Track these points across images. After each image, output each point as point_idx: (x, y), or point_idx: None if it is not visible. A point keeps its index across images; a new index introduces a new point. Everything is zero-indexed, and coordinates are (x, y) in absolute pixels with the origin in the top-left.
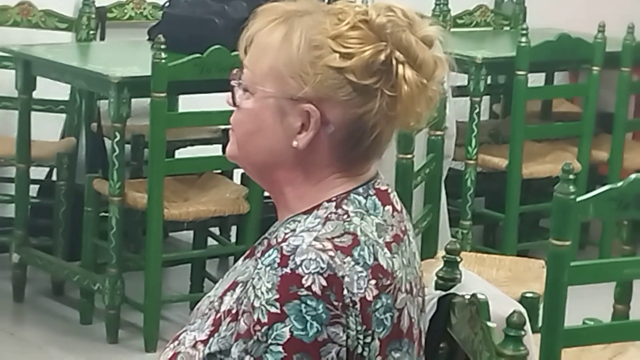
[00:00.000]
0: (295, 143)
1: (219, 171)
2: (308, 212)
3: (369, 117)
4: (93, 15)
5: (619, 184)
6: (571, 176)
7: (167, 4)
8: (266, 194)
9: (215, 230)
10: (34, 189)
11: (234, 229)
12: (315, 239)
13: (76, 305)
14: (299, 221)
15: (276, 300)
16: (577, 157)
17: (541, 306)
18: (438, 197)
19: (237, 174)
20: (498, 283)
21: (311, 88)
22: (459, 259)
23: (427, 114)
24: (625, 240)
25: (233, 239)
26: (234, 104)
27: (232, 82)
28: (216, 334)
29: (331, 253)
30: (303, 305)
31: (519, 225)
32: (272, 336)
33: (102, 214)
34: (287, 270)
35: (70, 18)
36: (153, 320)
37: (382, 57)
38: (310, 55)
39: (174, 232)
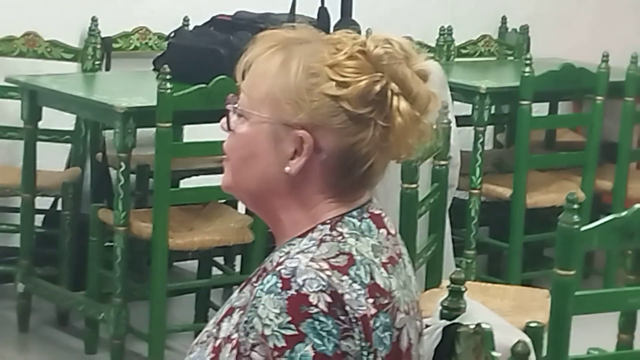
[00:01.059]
0: (287, 169)
1: (224, 201)
2: (302, 236)
3: (361, 146)
4: (98, 46)
5: (623, 213)
6: (575, 206)
7: (172, 35)
8: None
9: (220, 260)
10: (39, 219)
11: (238, 258)
12: (312, 260)
13: (81, 335)
14: (294, 244)
15: (290, 322)
16: (581, 186)
17: (546, 335)
18: (442, 227)
19: (242, 203)
20: (502, 312)
21: (306, 114)
22: (463, 289)
23: (418, 147)
24: (630, 270)
25: (237, 269)
26: (229, 129)
27: (228, 106)
28: None
29: (328, 272)
30: (316, 322)
31: (523, 254)
32: (297, 358)
33: (107, 243)
34: (292, 292)
35: (75, 48)
36: (158, 350)
37: (378, 87)
38: (307, 82)
39: (179, 262)
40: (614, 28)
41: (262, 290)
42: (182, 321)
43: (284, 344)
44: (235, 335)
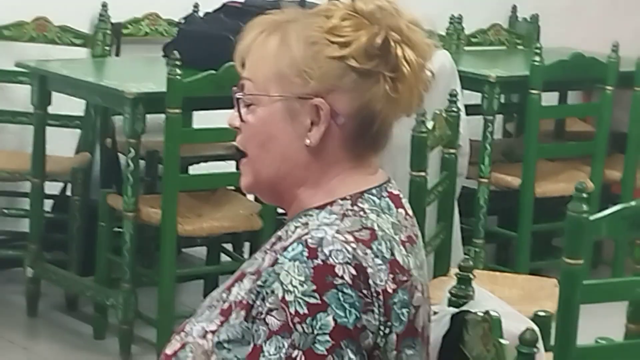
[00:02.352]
0: (308, 141)
1: (233, 187)
2: (321, 208)
3: (375, 102)
4: (108, 31)
5: (632, 203)
6: (584, 195)
7: (182, 21)
8: (279, 210)
9: (229, 247)
10: (48, 204)
11: (247, 245)
12: (337, 232)
13: (90, 320)
14: (311, 215)
15: (314, 291)
16: (590, 176)
17: (554, 325)
18: (451, 215)
19: (263, 199)
20: (511, 301)
21: (316, 82)
22: (472, 276)
23: (424, 98)
24: (638, 260)
25: (246, 255)
26: (241, 120)
27: (237, 95)
28: (226, 324)
29: (353, 245)
30: (340, 293)
31: (531, 244)
32: (317, 326)
33: (116, 229)
34: (319, 261)
35: (85, 34)
36: (166, 335)
37: (379, 39)
38: (310, 52)
39: (187, 248)
40: (625, 18)
41: (285, 257)
42: (191, 307)
43: (305, 311)
44: (246, 300)
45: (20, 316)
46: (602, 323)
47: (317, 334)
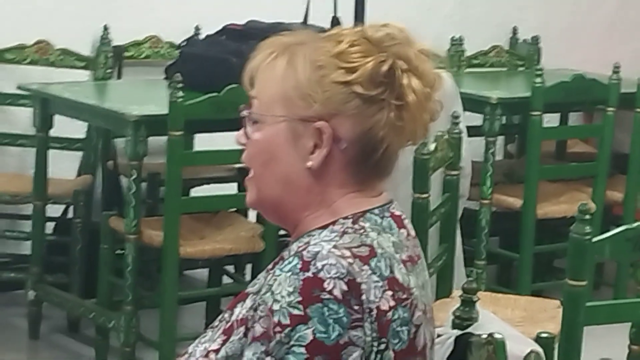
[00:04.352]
0: (309, 163)
1: (234, 209)
2: (323, 227)
3: (378, 129)
4: (110, 54)
5: (635, 224)
6: (587, 216)
7: (183, 43)
8: (281, 232)
9: (231, 268)
10: (50, 227)
11: (249, 267)
12: (334, 247)
13: (91, 343)
14: (313, 235)
15: (299, 302)
16: (592, 197)
17: (556, 346)
18: (453, 237)
19: (253, 212)
20: (513, 323)
21: (320, 105)
22: (475, 298)
23: (429, 127)
24: None
25: (248, 277)
26: (246, 137)
27: (242, 113)
28: (227, 342)
29: (350, 260)
30: (325, 308)
31: (533, 265)
32: (295, 337)
33: (118, 251)
34: (309, 274)
35: (87, 57)
36: (168, 358)
37: (385, 67)
38: (315, 75)
39: (189, 270)
40: (626, 39)
41: (281, 269)
42: (193, 329)
43: (287, 322)
44: (246, 316)
45: (22, 339)
46: (605, 345)
47: (293, 345)
